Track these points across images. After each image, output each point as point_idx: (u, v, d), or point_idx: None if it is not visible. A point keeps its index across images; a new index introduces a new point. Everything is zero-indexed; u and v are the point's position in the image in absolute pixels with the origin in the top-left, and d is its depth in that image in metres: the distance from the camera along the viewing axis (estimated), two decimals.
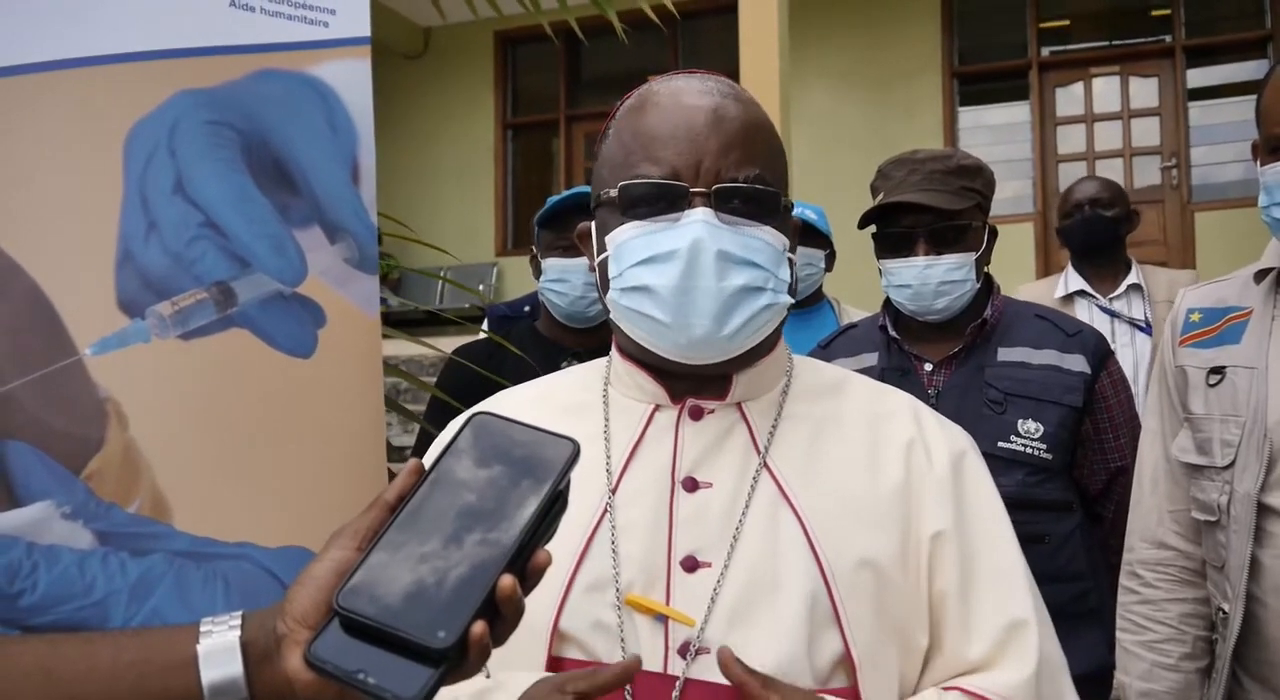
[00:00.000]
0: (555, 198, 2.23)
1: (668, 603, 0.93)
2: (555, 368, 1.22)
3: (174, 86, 1.19)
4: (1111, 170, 7.25)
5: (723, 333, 0.95)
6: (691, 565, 0.94)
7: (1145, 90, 7.57)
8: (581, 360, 1.22)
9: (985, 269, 1.88)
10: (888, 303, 1.92)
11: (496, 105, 9.15)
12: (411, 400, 5.00)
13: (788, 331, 1.11)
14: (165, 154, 1.17)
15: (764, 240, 0.97)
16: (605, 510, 0.97)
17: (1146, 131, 7.54)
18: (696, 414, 1.02)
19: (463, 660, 0.63)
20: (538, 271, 2.26)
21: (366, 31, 1.33)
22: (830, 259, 2.73)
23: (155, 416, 1.15)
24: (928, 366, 1.85)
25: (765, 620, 0.91)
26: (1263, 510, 1.41)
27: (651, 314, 0.96)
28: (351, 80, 1.30)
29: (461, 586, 0.63)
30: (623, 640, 0.92)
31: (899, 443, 1.01)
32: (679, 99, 0.99)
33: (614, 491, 0.98)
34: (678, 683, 0.90)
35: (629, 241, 0.97)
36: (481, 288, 8.25)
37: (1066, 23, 7.86)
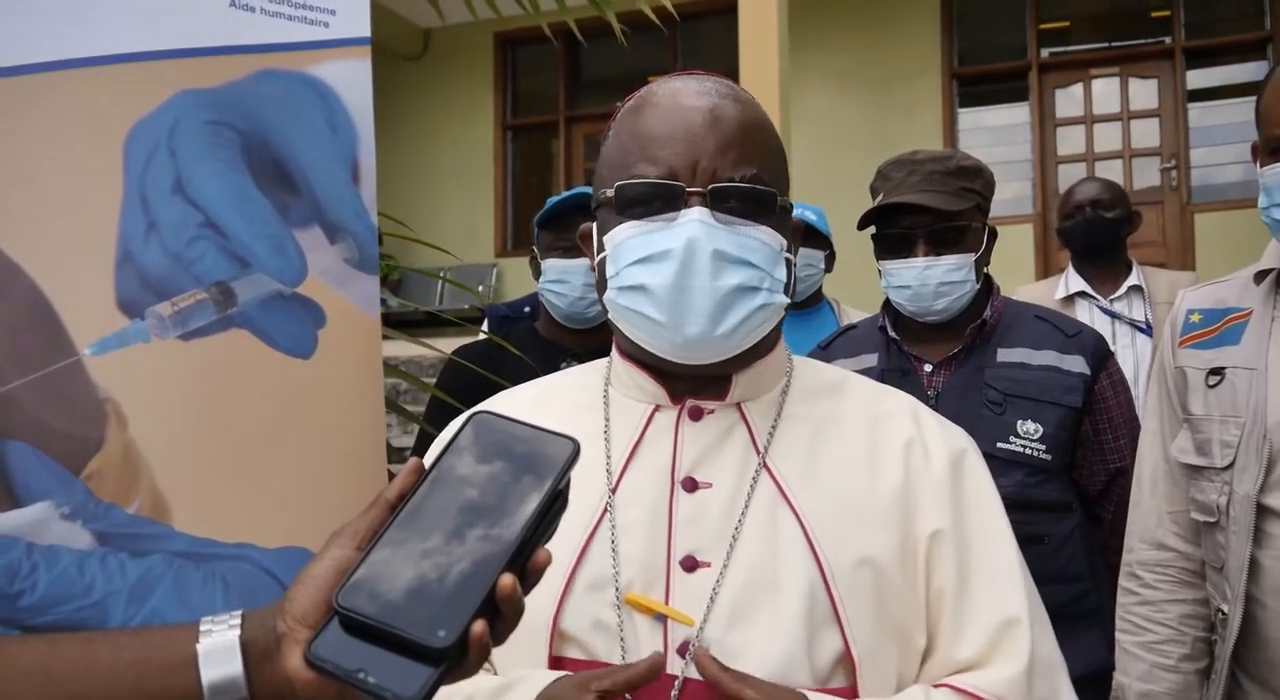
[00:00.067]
0: (555, 199, 2.23)
1: (667, 602, 0.93)
2: (555, 368, 1.22)
3: (174, 87, 1.19)
4: (1111, 171, 7.24)
5: (717, 332, 0.95)
6: (691, 565, 0.94)
7: (1145, 91, 7.57)
8: (581, 361, 1.22)
9: (985, 270, 1.88)
10: (887, 304, 1.92)
11: (496, 106, 9.15)
12: (411, 401, 5.00)
13: (787, 332, 1.11)
14: (165, 154, 1.17)
15: (760, 240, 0.97)
16: (605, 510, 0.97)
17: (1146, 133, 7.53)
18: (696, 414, 1.02)
19: (463, 659, 0.63)
20: (537, 272, 2.26)
21: (366, 32, 1.33)
22: (830, 260, 2.73)
23: (155, 417, 1.15)
24: (927, 367, 1.85)
25: (765, 620, 0.92)
26: (1262, 511, 1.41)
27: (647, 313, 0.96)
28: (351, 80, 1.30)
29: (461, 585, 0.63)
30: (622, 640, 0.92)
31: (898, 443, 1.01)
32: (677, 99, 1.00)
33: (614, 491, 0.99)
34: (677, 682, 0.90)
35: (626, 241, 0.98)
36: (481, 288, 8.25)
37: (1066, 24, 7.86)
